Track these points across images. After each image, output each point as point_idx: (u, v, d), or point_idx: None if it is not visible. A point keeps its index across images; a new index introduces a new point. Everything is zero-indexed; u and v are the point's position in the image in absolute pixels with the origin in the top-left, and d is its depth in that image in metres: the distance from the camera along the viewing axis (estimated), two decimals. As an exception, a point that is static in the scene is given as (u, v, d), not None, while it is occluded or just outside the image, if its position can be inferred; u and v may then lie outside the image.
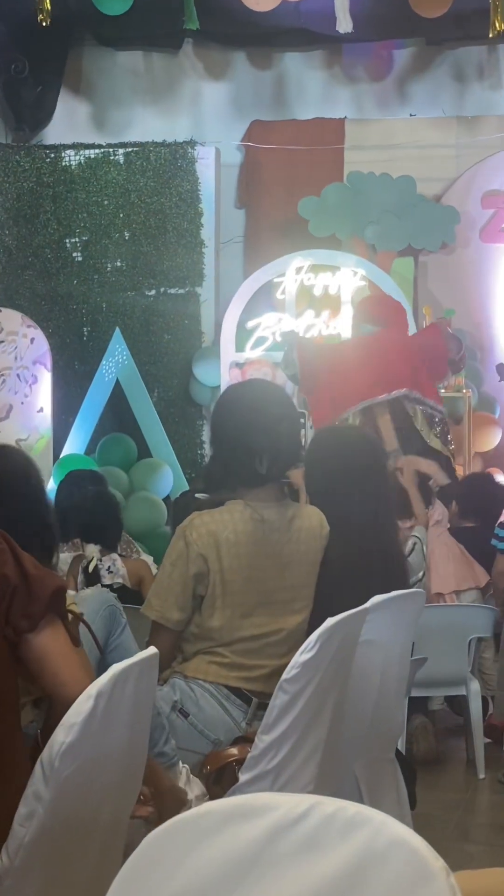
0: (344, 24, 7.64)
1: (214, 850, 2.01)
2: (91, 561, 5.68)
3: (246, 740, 3.56)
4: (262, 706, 3.59)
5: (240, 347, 8.67)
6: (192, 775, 3.34)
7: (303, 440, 4.12)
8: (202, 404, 8.96)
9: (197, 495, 6.03)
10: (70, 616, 2.78)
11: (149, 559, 6.34)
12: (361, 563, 3.95)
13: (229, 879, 2.00)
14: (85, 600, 3.56)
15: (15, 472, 3.15)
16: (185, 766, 3.35)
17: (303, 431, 5.92)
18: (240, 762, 3.43)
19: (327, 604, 3.73)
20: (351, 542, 3.96)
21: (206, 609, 3.67)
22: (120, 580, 5.53)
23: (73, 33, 9.40)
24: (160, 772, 3.14)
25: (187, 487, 7.73)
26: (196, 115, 9.63)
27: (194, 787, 3.36)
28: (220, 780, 3.47)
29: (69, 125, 9.67)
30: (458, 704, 6.35)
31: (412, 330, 8.48)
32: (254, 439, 3.65)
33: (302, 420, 5.21)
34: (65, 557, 5.84)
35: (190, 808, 3.12)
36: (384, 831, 1.93)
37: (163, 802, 2.99)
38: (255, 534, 3.66)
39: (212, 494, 4.04)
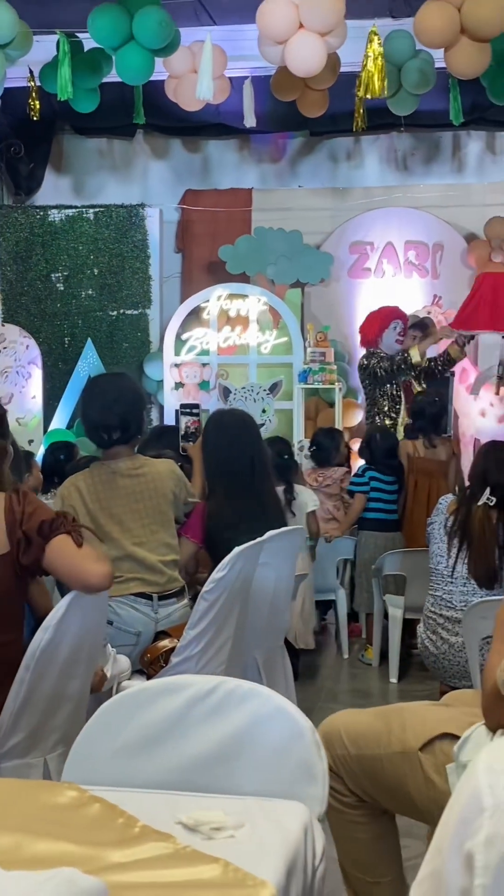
0: (250, 121, 7.54)
1: (149, 716, 2.00)
2: None
3: (167, 634, 3.56)
4: (163, 597, 3.61)
5: (177, 353, 8.60)
6: (117, 655, 3.32)
7: (145, 417, 4.09)
8: (151, 393, 8.85)
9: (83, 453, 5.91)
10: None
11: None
12: (241, 503, 4.00)
13: (159, 736, 1.99)
14: None
15: None
16: (113, 649, 3.33)
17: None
18: (170, 650, 3.42)
19: (220, 530, 3.83)
20: (234, 486, 4.03)
21: None
22: None
23: (56, 125, 9.23)
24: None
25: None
26: (145, 185, 9.51)
27: (121, 663, 3.35)
28: (155, 663, 3.46)
29: (54, 191, 9.52)
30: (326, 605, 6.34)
31: (298, 342, 8.46)
32: (97, 419, 3.70)
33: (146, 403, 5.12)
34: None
35: (110, 680, 3.16)
36: (269, 702, 1.94)
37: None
38: (109, 481, 3.66)
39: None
